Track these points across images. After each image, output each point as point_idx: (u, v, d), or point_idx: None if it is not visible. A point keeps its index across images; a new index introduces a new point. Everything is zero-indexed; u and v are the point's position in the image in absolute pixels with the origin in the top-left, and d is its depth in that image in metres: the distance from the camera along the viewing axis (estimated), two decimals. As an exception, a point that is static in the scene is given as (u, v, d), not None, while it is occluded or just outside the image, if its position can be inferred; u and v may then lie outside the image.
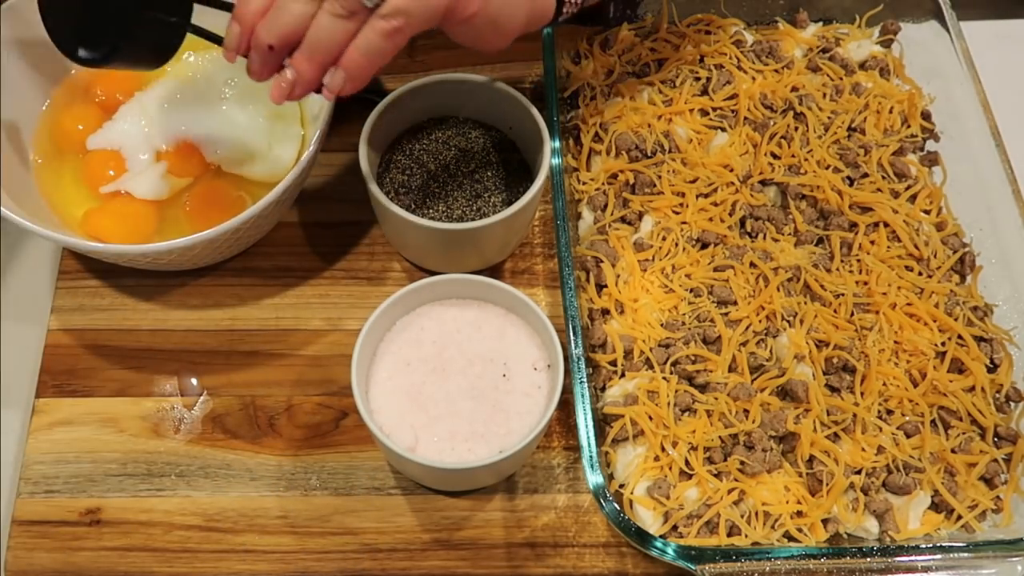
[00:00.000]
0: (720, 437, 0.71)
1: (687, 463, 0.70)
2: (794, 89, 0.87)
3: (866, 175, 0.83)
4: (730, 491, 0.69)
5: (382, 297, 0.71)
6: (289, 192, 0.75)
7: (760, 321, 0.76)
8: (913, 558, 0.65)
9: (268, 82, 0.83)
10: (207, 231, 0.71)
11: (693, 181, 0.82)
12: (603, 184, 0.83)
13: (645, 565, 0.72)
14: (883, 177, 0.83)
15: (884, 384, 0.74)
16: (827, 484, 0.69)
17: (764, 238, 0.80)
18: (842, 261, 0.79)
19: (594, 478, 0.67)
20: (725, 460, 0.70)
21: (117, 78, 0.84)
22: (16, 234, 0.86)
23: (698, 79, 0.88)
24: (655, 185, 0.82)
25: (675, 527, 0.69)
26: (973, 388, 0.74)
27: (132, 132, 0.82)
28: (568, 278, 0.74)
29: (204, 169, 0.81)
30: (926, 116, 0.88)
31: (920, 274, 0.79)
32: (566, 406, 0.75)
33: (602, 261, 0.78)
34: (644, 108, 0.86)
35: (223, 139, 0.81)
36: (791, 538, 0.68)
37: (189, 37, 0.76)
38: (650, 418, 0.71)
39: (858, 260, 0.79)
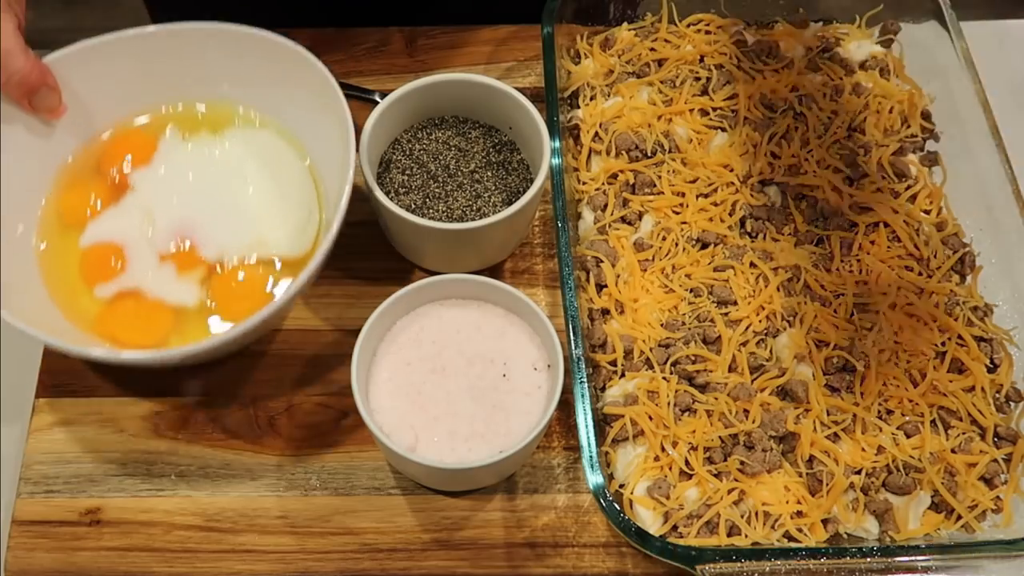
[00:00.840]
0: (720, 437, 0.71)
1: (687, 463, 0.70)
2: (794, 89, 0.87)
3: (866, 175, 0.83)
4: (730, 491, 0.69)
5: (382, 297, 0.71)
6: (307, 283, 0.69)
7: (760, 321, 0.76)
8: (913, 558, 0.65)
9: (278, 159, 0.80)
10: (214, 338, 0.68)
11: (693, 181, 0.82)
12: (603, 184, 0.83)
13: (645, 565, 0.72)
14: (883, 177, 0.83)
15: (884, 384, 0.74)
16: (827, 484, 0.69)
17: (764, 238, 0.80)
18: (842, 261, 0.79)
19: (594, 478, 0.67)
20: (725, 460, 0.70)
21: (128, 152, 0.79)
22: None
23: (698, 79, 0.88)
24: (655, 185, 0.82)
25: (675, 527, 0.69)
26: (973, 388, 0.74)
27: (132, 226, 0.76)
28: (568, 278, 0.74)
29: (212, 266, 0.76)
30: (926, 116, 0.88)
31: (920, 274, 0.79)
32: (566, 406, 0.75)
33: (602, 261, 0.78)
34: (644, 108, 0.86)
35: (229, 228, 0.77)
36: (791, 538, 0.68)
37: (188, 119, 0.75)
38: (650, 418, 0.71)
39: (858, 260, 0.79)
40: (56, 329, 0.71)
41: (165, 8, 1.09)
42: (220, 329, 0.74)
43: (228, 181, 0.79)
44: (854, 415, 0.72)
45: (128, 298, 0.74)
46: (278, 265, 0.76)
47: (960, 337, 0.76)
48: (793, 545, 0.68)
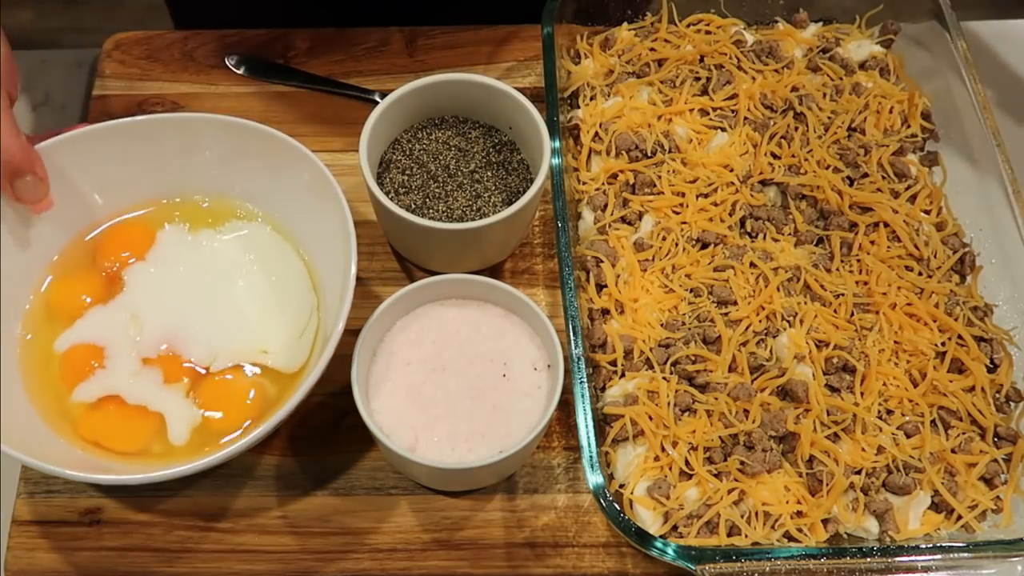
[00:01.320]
0: (720, 437, 0.71)
1: (687, 463, 0.70)
2: (794, 89, 0.87)
3: (866, 175, 0.83)
4: (730, 491, 0.69)
5: (382, 297, 0.71)
6: (303, 398, 0.66)
7: (760, 321, 0.76)
8: (913, 558, 0.66)
9: (277, 258, 0.77)
10: (198, 462, 0.63)
11: (693, 181, 0.82)
12: (603, 184, 0.83)
13: (645, 565, 0.72)
14: (883, 177, 0.83)
15: (884, 384, 0.74)
16: (827, 484, 0.69)
17: (764, 238, 0.80)
18: (842, 261, 0.79)
19: (594, 478, 0.67)
20: (725, 460, 0.70)
21: (124, 246, 0.76)
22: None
23: (698, 79, 0.88)
24: (655, 185, 0.82)
25: (675, 527, 0.69)
26: (973, 388, 0.74)
27: (119, 328, 0.73)
28: (568, 278, 0.74)
29: (198, 372, 0.73)
30: (926, 116, 0.88)
31: (920, 274, 0.79)
32: (566, 406, 0.75)
33: (602, 261, 0.78)
34: (644, 108, 0.86)
35: (222, 334, 0.74)
36: (791, 538, 0.68)
37: (187, 213, 0.74)
38: (650, 418, 0.71)
39: (858, 260, 0.79)
40: (31, 431, 0.67)
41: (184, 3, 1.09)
42: (207, 439, 0.70)
43: (223, 282, 0.76)
44: (854, 415, 0.72)
45: (110, 404, 0.71)
46: (272, 372, 0.73)
47: (960, 337, 0.76)
48: (793, 545, 0.68)
